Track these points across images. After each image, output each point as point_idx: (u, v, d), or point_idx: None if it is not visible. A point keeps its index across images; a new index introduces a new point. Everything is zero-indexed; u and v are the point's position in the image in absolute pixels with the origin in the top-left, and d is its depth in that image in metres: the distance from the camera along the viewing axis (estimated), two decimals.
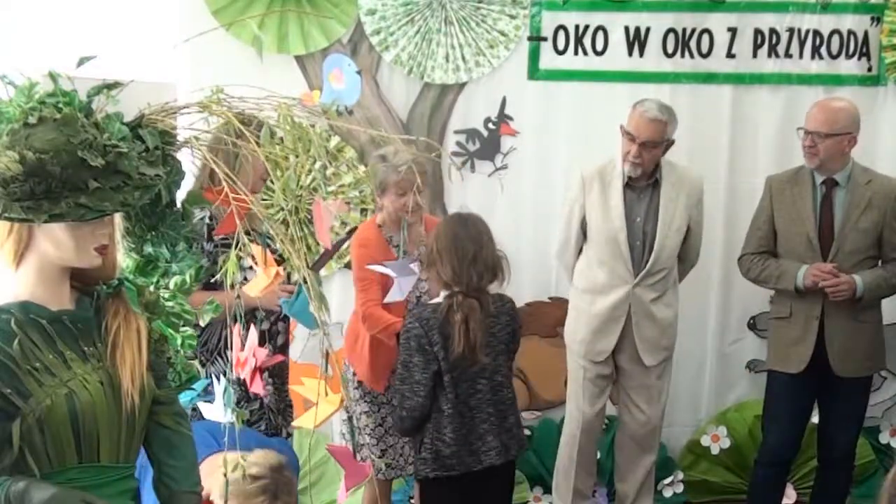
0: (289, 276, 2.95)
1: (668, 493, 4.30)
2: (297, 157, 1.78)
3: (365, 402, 3.53)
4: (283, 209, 1.75)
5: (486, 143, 4.19)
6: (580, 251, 3.83)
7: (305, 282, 1.64)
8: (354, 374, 3.52)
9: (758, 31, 4.14)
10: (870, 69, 4.17)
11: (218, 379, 2.13)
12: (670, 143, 3.64)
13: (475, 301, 3.05)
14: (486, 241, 3.13)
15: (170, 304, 1.99)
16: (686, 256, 3.82)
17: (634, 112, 3.60)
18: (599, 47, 4.13)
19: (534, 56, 4.13)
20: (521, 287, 4.14)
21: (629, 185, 3.69)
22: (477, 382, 3.11)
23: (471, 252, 3.05)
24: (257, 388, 1.96)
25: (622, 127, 3.63)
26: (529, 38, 4.12)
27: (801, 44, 4.15)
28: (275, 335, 3.21)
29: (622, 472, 3.96)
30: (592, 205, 3.71)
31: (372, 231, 3.50)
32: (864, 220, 3.56)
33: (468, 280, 3.04)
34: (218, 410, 2.12)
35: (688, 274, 3.93)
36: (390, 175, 3.35)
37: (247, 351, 1.84)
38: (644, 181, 3.68)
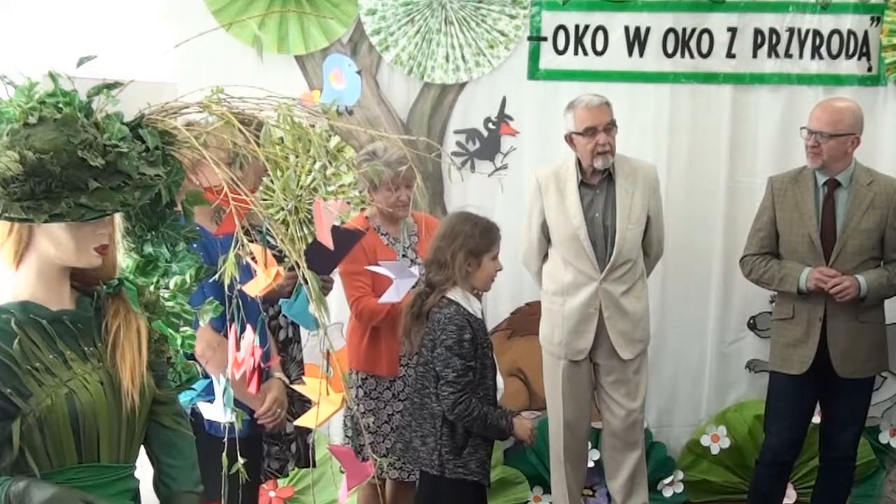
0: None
1: (668, 493, 4.30)
2: (297, 157, 1.78)
3: (371, 398, 3.53)
4: (283, 209, 1.75)
5: (486, 143, 4.19)
6: (546, 255, 3.85)
7: (305, 282, 1.63)
8: (358, 374, 3.52)
9: (758, 31, 4.14)
10: (870, 69, 4.17)
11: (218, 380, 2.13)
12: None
13: (413, 296, 3.12)
14: (439, 233, 3.17)
15: (170, 304, 1.99)
16: (649, 249, 3.83)
17: (580, 109, 3.63)
18: (599, 47, 4.14)
19: (534, 56, 4.13)
20: (521, 287, 4.16)
21: (584, 182, 3.71)
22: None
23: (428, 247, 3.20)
24: (254, 388, 1.95)
25: (573, 132, 3.65)
26: (529, 38, 4.12)
27: (801, 44, 4.15)
28: (276, 330, 3.15)
29: (610, 471, 3.95)
30: (550, 206, 3.74)
31: (361, 224, 3.50)
32: (866, 220, 3.56)
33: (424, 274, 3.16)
34: (217, 410, 2.11)
35: (654, 267, 3.94)
36: (382, 171, 3.34)
37: (244, 350, 1.84)
38: (598, 177, 3.71)
